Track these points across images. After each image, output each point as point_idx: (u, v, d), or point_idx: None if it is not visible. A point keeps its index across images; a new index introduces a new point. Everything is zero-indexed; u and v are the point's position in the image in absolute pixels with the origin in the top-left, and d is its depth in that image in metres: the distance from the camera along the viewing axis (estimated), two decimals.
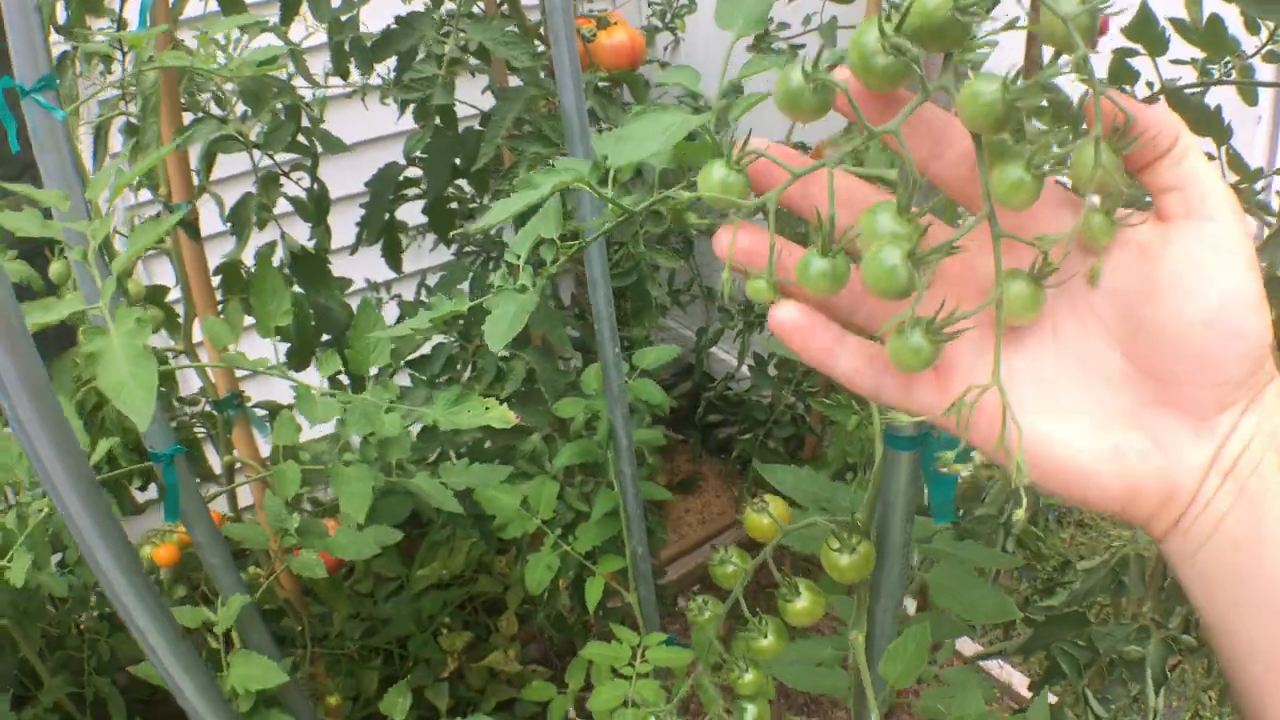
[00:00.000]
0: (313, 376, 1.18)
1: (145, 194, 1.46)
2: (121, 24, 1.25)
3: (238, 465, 1.42)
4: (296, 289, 1.33)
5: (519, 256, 0.83)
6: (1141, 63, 1.13)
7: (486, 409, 0.98)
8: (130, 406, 0.68)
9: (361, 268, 1.81)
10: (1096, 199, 0.42)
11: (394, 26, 1.22)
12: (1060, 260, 0.42)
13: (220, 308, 1.30)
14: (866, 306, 0.46)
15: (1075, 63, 0.39)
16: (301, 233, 1.46)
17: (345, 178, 1.60)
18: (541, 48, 1.32)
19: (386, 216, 1.49)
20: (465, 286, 1.44)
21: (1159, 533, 0.44)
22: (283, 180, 1.38)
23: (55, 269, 1.01)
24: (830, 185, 0.43)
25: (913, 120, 0.44)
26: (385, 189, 1.41)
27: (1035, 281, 0.42)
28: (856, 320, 0.46)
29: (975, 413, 0.43)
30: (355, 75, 1.48)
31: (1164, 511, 0.43)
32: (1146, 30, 1.08)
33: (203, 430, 1.52)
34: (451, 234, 1.49)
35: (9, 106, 0.85)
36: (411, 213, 1.61)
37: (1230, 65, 1.13)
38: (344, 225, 1.59)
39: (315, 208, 1.41)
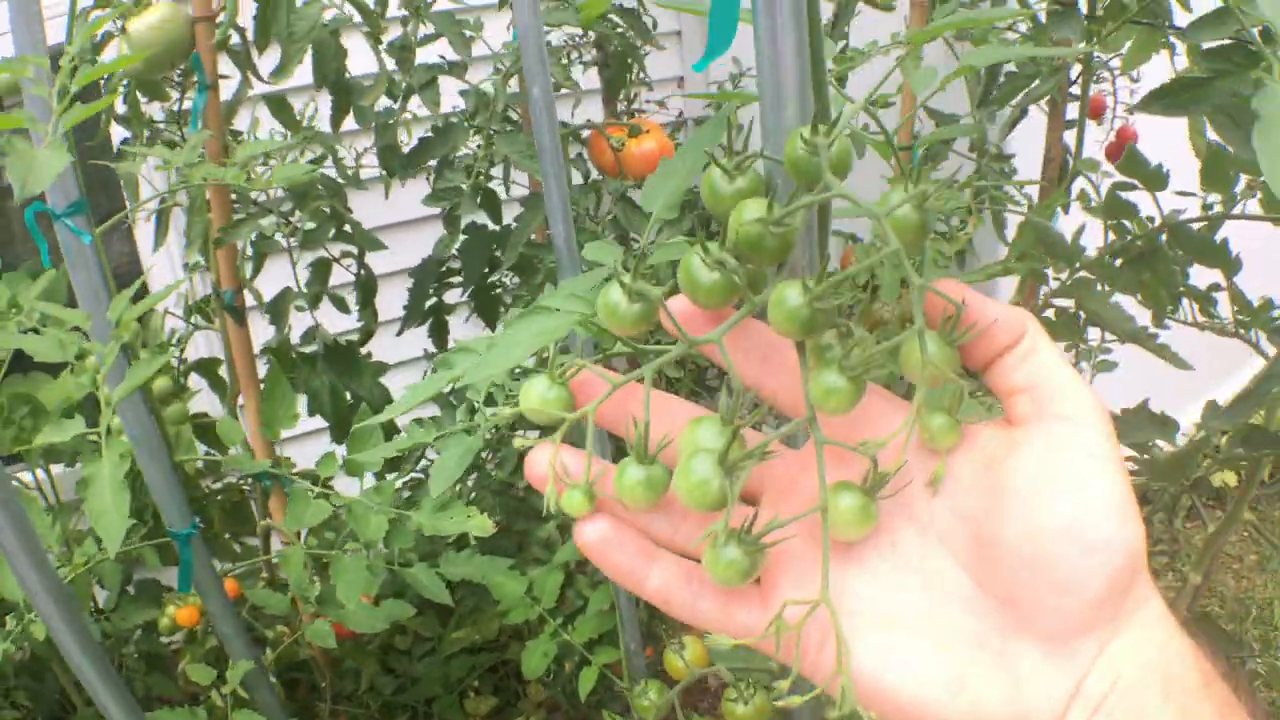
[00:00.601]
0: None
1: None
2: (181, 116, 1.35)
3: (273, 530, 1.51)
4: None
5: (480, 394, 0.89)
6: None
7: (469, 516, 1.04)
8: (105, 533, 0.76)
9: (419, 340, 1.89)
10: (924, 398, 0.39)
11: (430, 135, 1.30)
12: (895, 468, 0.39)
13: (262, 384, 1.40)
14: (687, 526, 0.43)
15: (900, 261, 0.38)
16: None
17: (404, 253, 1.69)
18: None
19: (432, 302, 1.57)
20: None
21: None
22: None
23: (90, 362, 1.11)
24: (647, 394, 0.42)
25: (742, 336, 0.43)
26: (427, 278, 1.49)
27: (867, 493, 0.39)
28: (677, 542, 0.43)
29: (802, 637, 0.39)
30: None
31: None
32: (1138, 169, 1.08)
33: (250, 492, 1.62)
34: None
35: (40, 228, 0.94)
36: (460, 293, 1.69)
37: (1255, 190, 1.10)
38: (399, 300, 1.68)
39: (362, 292, 1.50)
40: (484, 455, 1.47)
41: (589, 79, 1.72)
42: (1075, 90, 1.30)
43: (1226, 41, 0.64)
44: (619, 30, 1.43)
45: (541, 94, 0.95)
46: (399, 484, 1.46)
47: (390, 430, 1.28)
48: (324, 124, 1.42)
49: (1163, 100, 0.72)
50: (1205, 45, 0.64)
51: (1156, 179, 1.11)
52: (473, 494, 1.57)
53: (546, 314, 0.59)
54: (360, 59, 1.38)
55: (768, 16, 0.47)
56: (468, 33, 1.25)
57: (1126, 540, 0.35)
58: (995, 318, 0.39)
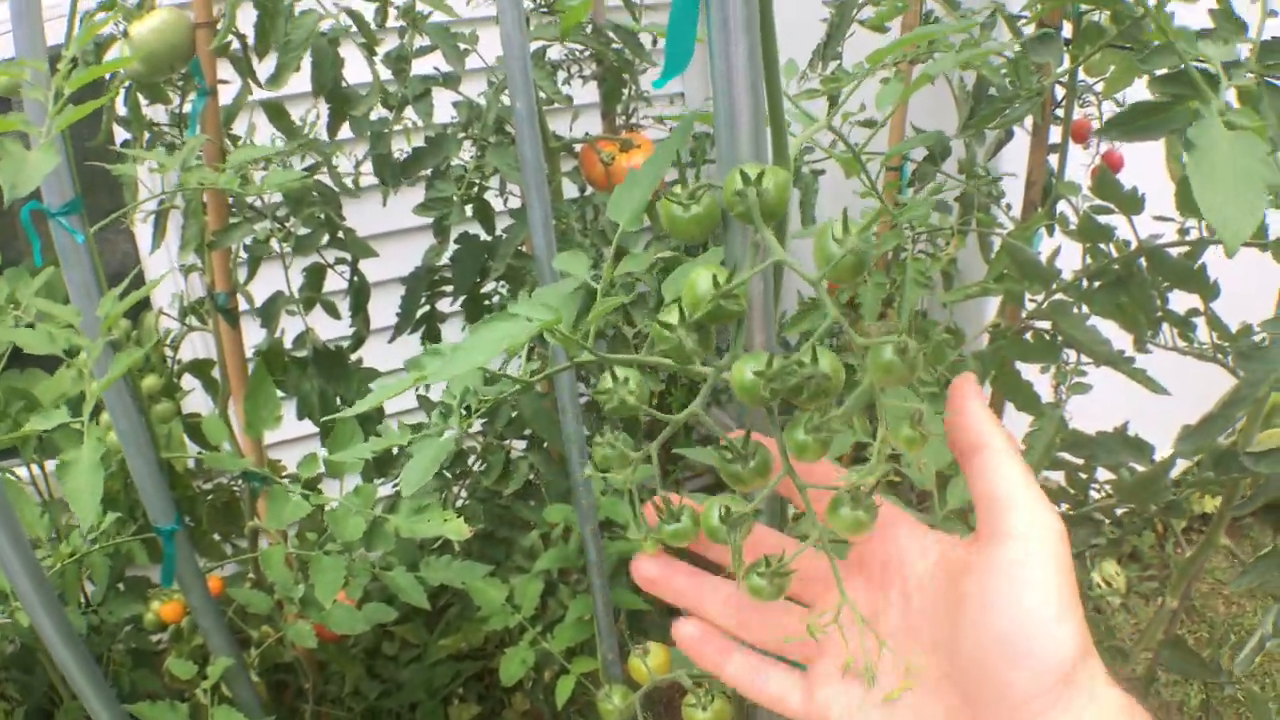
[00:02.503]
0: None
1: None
2: (181, 118, 1.38)
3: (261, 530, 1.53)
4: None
5: (454, 397, 0.91)
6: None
7: (445, 520, 1.06)
8: (80, 511, 0.79)
9: (412, 348, 1.91)
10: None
11: (424, 146, 1.32)
12: (876, 478, 0.46)
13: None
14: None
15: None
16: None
17: (399, 262, 1.71)
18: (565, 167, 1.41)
19: (426, 309, 1.59)
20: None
21: None
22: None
23: (81, 358, 1.13)
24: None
25: None
26: (419, 285, 1.50)
27: (858, 503, 0.46)
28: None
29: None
30: None
31: None
32: (1112, 192, 1.08)
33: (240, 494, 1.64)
34: None
35: (35, 226, 0.96)
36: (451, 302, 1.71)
37: None
38: (394, 307, 1.70)
39: (355, 298, 1.52)
40: (469, 462, 1.49)
41: (590, 93, 1.74)
42: (1061, 114, 1.31)
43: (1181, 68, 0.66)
44: (614, 46, 1.45)
45: (524, 107, 0.97)
46: (387, 490, 1.48)
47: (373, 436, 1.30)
48: (323, 133, 1.44)
49: (1121, 126, 0.73)
50: (1158, 72, 0.66)
51: (1131, 202, 1.10)
52: (461, 502, 1.58)
53: (511, 320, 0.61)
54: (359, 69, 1.41)
55: (723, 59, 0.49)
56: (462, 45, 1.27)
57: (1060, 643, 0.42)
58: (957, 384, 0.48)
